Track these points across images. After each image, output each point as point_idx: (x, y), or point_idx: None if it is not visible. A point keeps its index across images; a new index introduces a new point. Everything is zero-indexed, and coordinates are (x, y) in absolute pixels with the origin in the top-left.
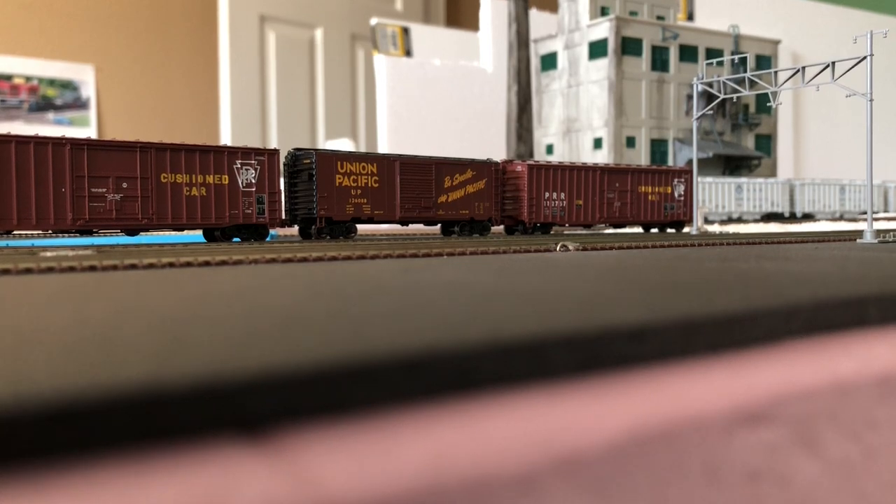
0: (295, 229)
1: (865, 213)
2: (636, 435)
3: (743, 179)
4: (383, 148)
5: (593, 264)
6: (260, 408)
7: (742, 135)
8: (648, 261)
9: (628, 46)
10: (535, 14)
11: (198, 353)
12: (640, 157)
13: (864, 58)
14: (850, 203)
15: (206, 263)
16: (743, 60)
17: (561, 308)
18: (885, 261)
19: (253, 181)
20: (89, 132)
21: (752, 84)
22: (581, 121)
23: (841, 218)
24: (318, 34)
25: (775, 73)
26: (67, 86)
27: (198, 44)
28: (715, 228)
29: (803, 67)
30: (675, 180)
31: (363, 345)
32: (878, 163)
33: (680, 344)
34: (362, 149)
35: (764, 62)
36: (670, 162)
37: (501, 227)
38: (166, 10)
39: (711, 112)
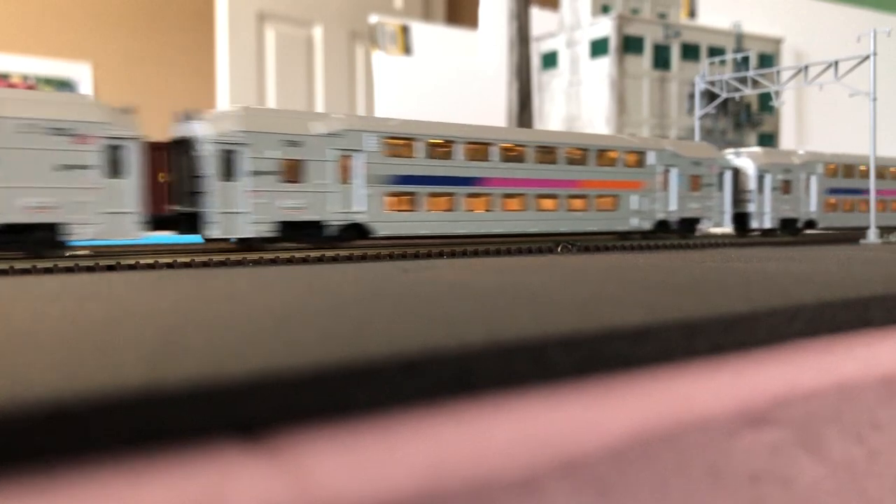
0: None
1: None
2: (638, 437)
3: None
4: None
5: (595, 265)
6: (258, 410)
7: (745, 134)
8: (650, 261)
9: (630, 44)
10: (536, 12)
11: (195, 354)
12: None
13: (868, 56)
14: None
15: (205, 264)
16: (745, 59)
17: (562, 309)
18: (889, 261)
19: None
20: None
21: (755, 83)
22: (582, 119)
23: None
24: (317, 32)
25: (778, 71)
26: (65, 84)
27: (195, 41)
28: None
29: (806, 66)
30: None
31: (362, 346)
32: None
33: (682, 345)
34: None
35: (766, 60)
36: None
37: None
38: (163, 8)
39: (713, 111)
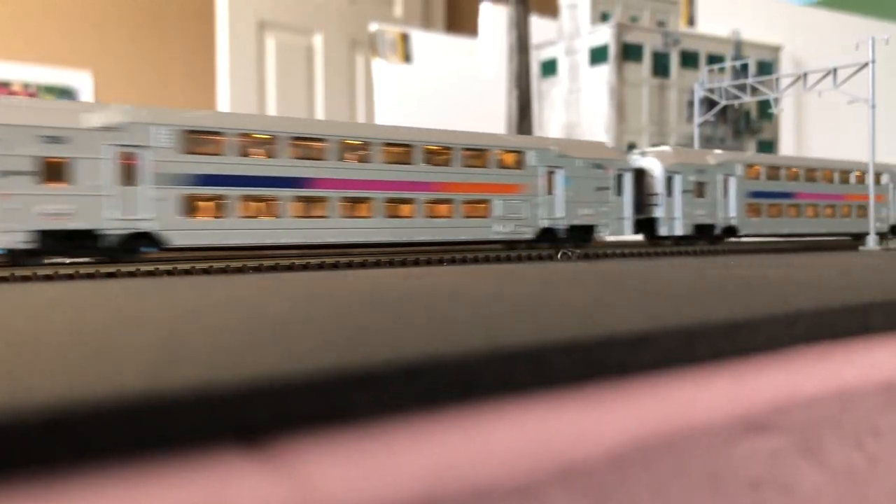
0: None
1: None
2: (638, 443)
3: None
4: None
5: (594, 272)
6: (259, 416)
7: (744, 141)
8: (650, 268)
9: (629, 52)
10: (535, 20)
11: (196, 361)
12: None
13: (866, 64)
14: None
15: (206, 272)
16: (744, 66)
17: (561, 315)
18: (889, 268)
19: None
20: None
21: (754, 90)
22: (582, 126)
23: None
24: (318, 40)
25: (777, 78)
26: (65, 92)
27: (196, 50)
28: None
29: (805, 73)
30: None
31: (362, 352)
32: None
33: (682, 351)
34: None
35: (765, 68)
36: None
37: None
38: (164, 17)
39: (713, 118)
